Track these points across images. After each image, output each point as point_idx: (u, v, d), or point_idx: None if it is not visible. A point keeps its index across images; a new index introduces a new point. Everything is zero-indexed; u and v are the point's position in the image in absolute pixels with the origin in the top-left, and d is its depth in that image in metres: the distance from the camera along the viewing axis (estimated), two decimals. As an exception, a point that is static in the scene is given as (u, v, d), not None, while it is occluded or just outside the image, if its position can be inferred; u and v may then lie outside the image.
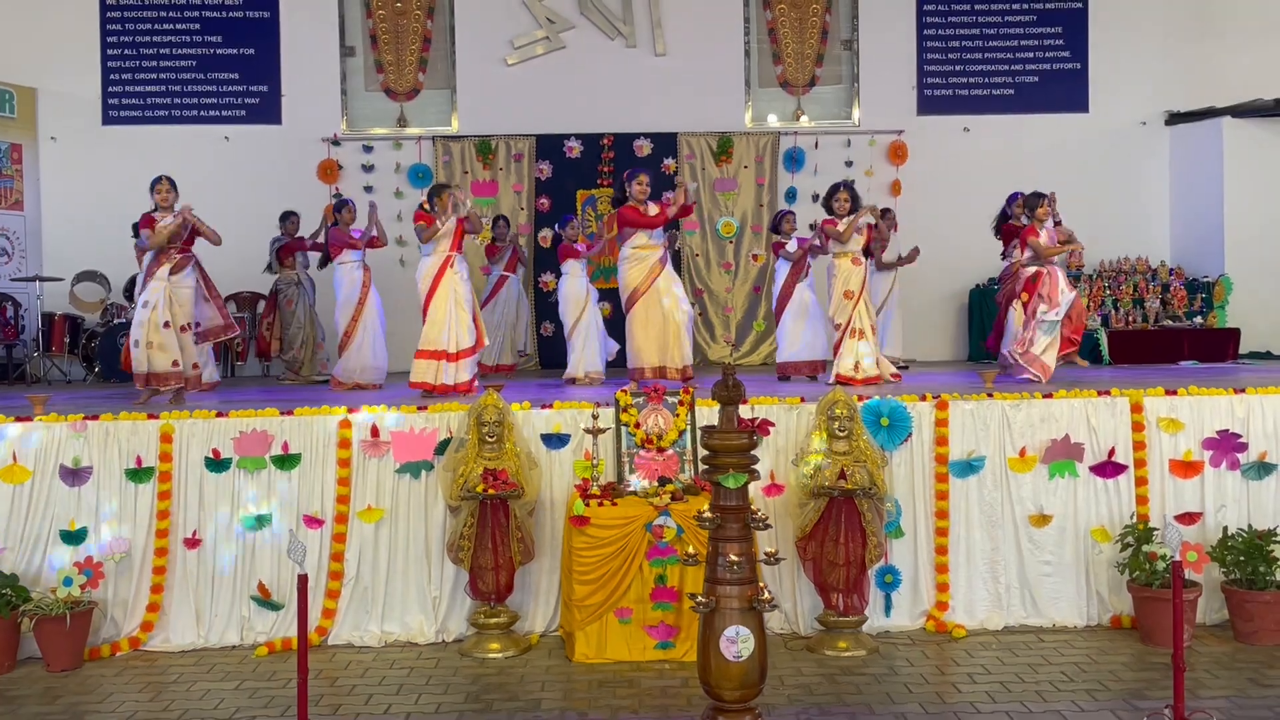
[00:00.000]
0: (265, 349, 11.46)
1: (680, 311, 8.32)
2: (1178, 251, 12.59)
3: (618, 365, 9.73)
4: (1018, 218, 9.53)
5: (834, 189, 8.90)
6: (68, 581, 6.34)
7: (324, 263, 10.36)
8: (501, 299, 10.92)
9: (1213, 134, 12.15)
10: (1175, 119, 12.64)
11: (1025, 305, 8.82)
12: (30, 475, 6.63)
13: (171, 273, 8.15)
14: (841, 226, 8.70)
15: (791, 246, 9.55)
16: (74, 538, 6.57)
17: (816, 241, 9.13)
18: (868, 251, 9.51)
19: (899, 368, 10.42)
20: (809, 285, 9.49)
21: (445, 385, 8.19)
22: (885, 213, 11.03)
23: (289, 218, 10.92)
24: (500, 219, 11.36)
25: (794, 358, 9.50)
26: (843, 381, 8.41)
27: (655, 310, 8.27)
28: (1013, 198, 9.77)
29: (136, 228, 8.76)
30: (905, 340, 11.00)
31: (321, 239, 10.28)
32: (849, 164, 12.42)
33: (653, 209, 8.35)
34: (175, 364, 8.03)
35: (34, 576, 6.51)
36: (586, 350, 9.63)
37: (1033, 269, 8.83)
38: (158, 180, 8.25)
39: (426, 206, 8.50)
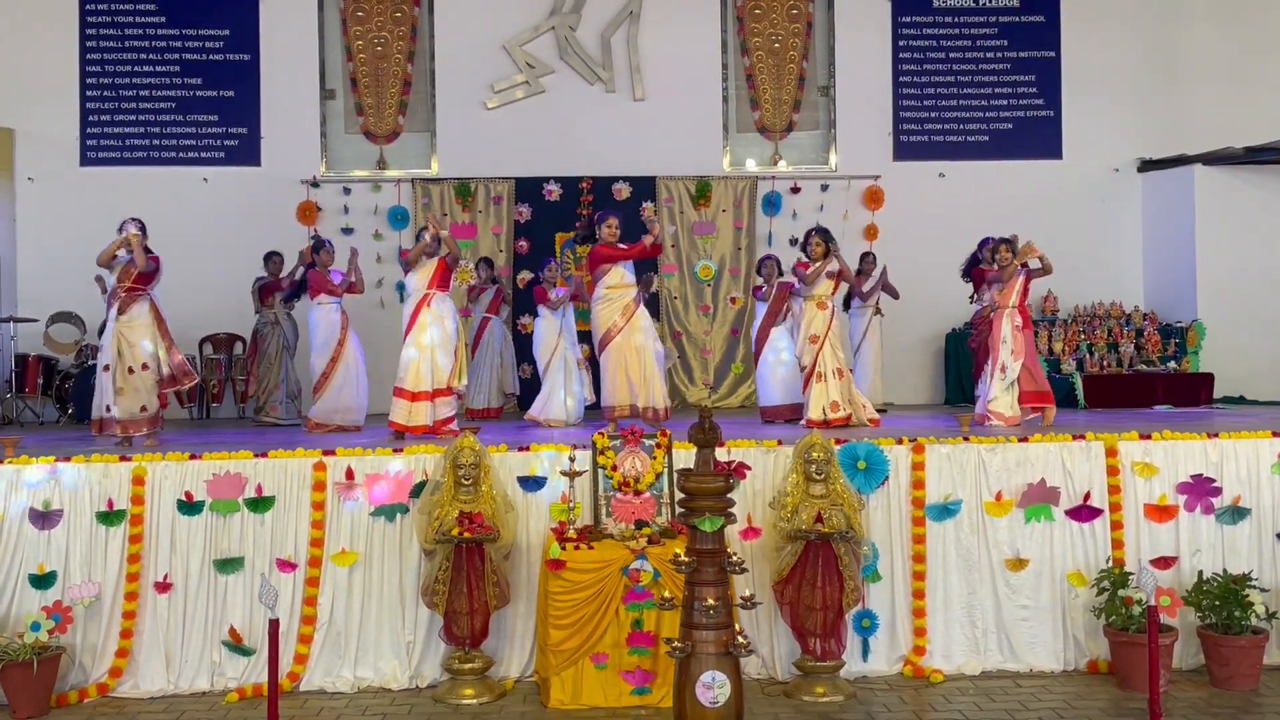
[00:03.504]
0: (246, 390, 11.40)
1: (653, 351, 8.36)
2: (1151, 297, 12.70)
3: (593, 407, 9.75)
4: (988, 261, 9.56)
5: (808, 233, 9.04)
6: (35, 626, 6.23)
7: (289, 298, 10.43)
8: (485, 342, 10.94)
9: (1184, 181, 12.28)
10: (1147, 166, 12.80)
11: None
12: (0, 518, 6.55)
13: (119, 313, 7.97)
14: (810, 270, 8.76)
15: (765, 290, 9.61)
16: (43, 582, 6.48)
17: (798, 285, 9.15)
18: (850, 293, 9.53)
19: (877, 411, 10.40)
20: (787, 329, 9.52)
21: (419, 426, 8.09)
22: (865, 255, 11.12)
23: (272, 258, 10.88)
24: (483, 261, 11.43)
25: (772, 402, 9.53)
26: (815, 425, 8.42)
27: (630, 350, 8.30)
28: (984, 243, 9.77)
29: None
30: (883, 384, 11.03)
31: (298, 278, 10.28)
32: (822, 209, 12.50)
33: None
34: (144, 409, 7.91)
35: (0, 621, 6.41)
36: (553, 396, 9.66)
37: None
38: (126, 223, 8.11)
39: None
